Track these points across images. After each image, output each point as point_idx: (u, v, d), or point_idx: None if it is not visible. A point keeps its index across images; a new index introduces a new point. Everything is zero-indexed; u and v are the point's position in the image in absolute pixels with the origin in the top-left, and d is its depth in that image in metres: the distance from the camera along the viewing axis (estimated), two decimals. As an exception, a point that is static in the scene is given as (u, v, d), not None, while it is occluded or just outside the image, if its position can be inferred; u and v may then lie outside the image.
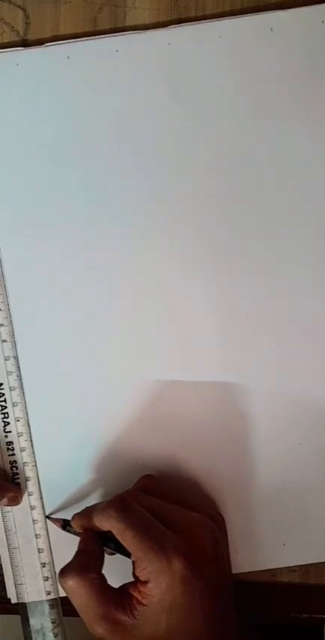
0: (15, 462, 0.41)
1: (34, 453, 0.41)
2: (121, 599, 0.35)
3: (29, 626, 0.41)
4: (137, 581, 0.35)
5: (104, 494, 0.40)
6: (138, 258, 0.39)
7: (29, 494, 0.41)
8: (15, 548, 0.41)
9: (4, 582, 0.41)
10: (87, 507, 0.37)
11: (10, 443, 0.41)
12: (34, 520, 0.41)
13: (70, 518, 0.38)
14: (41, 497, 0.41)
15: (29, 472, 0.41)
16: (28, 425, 0.41)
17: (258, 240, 0.39)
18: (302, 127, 0.39)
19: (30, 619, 0.41)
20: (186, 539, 0.35)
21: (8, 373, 0.40)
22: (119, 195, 0.39)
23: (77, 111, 0.39)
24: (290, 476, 0.40)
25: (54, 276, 0.40)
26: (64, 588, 0.35)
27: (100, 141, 0.39)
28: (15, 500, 0.40)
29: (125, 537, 0.34)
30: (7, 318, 0.40)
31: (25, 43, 0.39)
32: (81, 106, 0.39)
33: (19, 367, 0.40)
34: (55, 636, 0.41)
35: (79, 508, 0.38)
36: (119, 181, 0.39)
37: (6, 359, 0.40)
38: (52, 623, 0.41)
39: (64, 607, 0.41)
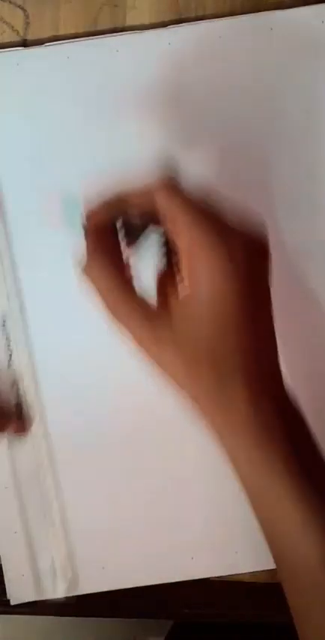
0: (22, 394, 0.40)
1: (39, 386, 0.40)
2: (145, 298, 0.31)
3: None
4: (180, 286, 0.31)
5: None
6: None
7: (36, 428, 0.40)
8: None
9: (3, 583, 0.41)
10: (113, 194, 0.31)
11: (16, 375, 0.40)
12: (38, 464, 0.40)
13: None
14: (48, 432, 0.40)
15: (36, 406, 0.40)
16: (33, 357, 0.40)
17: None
18: (303, 126, 0.39)
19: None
20: (245, 236, 0.30)
21: (12, 309, 0.40)
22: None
23: (77, 111, 0.39)
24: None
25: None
26: (87, 278, 0.31)
27: (100, 141, 0.39)
28: (21, 430, 0.39)
29: (176, 216, 0.29)
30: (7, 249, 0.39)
31: (25, 43, 0.39)
32: (81, 105, 0.39)
33: (23, 303, 0.40)
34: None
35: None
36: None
37: (9, 294, 0.39)
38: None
39: (64, 608, 0.41)
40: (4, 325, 0.40)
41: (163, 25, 0.39)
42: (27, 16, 0.40)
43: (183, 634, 0.62)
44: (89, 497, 0.41)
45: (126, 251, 0.32)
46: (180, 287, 0.31)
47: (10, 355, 0.40)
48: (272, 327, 0.32)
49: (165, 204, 0.30)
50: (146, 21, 0.39)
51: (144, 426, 0.40)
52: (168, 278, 0.32)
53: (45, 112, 0.39)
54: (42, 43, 0.39)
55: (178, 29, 0.39)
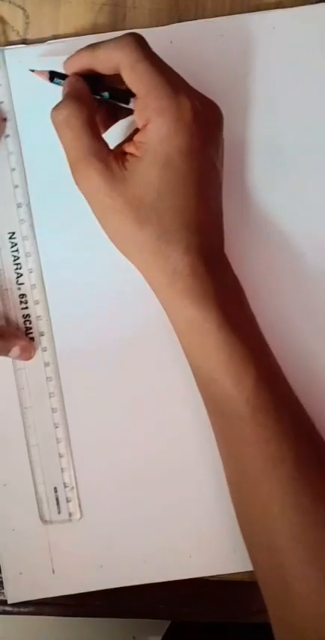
0: (28, 315, 0.39)
1: (47, 306, 0.39)
2: (114, 151, 0.32)
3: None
4: (133, 134, 0.32)
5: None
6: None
7: (43, 350, 0.39)
8: (27, 407, 0.39)
9: (1, 581, 0.41)
10: (90, 44, 0.33)
11: (22, 295, 0.39)
12: (47, 377, 0.39)
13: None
14: (55, 353, 0.39)
15: (43, 326, 0.39)
16: (42, 277, 0.39)
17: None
18: (303, 126, 0.39)
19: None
20: (196, 96, 0.32)
21: (20, 221, 0.38)
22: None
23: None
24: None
25: None
26: (55, 122, 0.32)
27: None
28: (27, 351, 0.38)
29: (136, 69, 0.31)
30: (19, 161, 0.38)
31: (25, 43, 0.40)
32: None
33: (31, 215, 0.39)
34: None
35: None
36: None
37: (18, 206, 0.38)
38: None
39: (64, 605, 0.41)
40: (13, 244, 0.39)
41: (163, 25, 0.39)
42: (27, 16, 0.40)
43: (181, 633, 0.62)
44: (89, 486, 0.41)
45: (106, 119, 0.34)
46: (133, 145, 0.32)
47: (19, 274, 0.39)
48: (220, 203, 0.34)
49: (128, 53, 0.31)
50: (146, 21, 0.39)
51: (145, 417, 0.40)
52: (126, 140, 0.33)
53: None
54: (42, 43, 0.39)
55: (180, 27, 0.39)
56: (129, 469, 0.40)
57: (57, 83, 0.35)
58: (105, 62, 0.32)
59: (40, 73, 0.36)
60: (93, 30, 0.39)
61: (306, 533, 0.32)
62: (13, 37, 0.40)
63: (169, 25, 0.39)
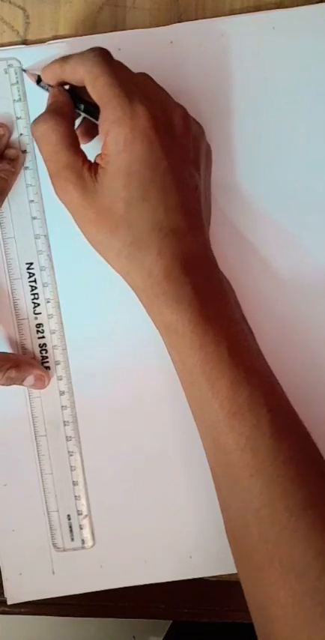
0: (45, 344, 0.40)
1: (64, 335, 0.40)
2: (89, 163, 0.33)
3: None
4: (101, 147, 0.33)
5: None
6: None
7: (58, 379, 0.40)
8: (41, 435, 0.40)
9: (1, 582, 0.41)
10: (62, 57, 0.34)
11: (39, 325, 0.40)
12: (62, 406, 0.40)
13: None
14: (71, 382, 0.40)
15: (59, 356, 0.40)
16: (59, 307, 0.40)
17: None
18: (303, 126, 0.39)
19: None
20: (156, 104, 0.32)
21: (38, 252, 0.39)
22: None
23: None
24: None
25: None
26: (35, 136, 0.34)
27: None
28: (42, 381, 0.39)
29: (96, 84, 0.32)
30: (37, 194, 0.39)
31: (25, 43, 0.39)
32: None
33: (49, 246, 0.40)
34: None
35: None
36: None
37: (36, 237, 0.39)
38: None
39: (64, 605, 0.41)
40: (30, 274, 0.39)
41: (163, 25, 0.39)
42: (27, 16, 0.40)
43: (181, 634, 0.62)
44: (97, 488, 0.41)
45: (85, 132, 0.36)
46: (101, 155, 0.33)
47: (36, 303, 0.40)
48: (198, 204, 0.34)
49: (90, 67, 0.32)
50: (146, 21, 0.39)
51: (147, 417, 0.40)
52: (98, 154, 0.33)
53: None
54: (42, 43, 0.39)
55: (180, 27, 0.39)
56: (138, 486, 0.40)
57: (42, 87, 0.37)
58: (72, 76, 0.33)
59: (31, 74, 0.37)
60: (93, 30, 0.39)
61: (282, 550, 0.30)
62: (13, 37, 0.40)
63: (169, 25, 0.39)
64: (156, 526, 0.40)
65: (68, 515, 0.40)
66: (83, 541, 0.40)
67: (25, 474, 0.40)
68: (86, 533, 0.40)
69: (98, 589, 0.41)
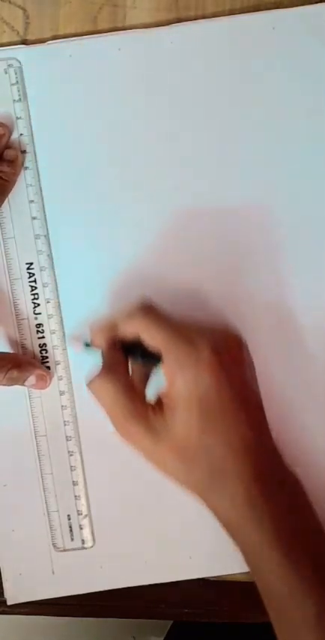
0: (45, 344, 0.40)
1: (64, 335, 0.40)
2: (151, 404, 0.34)
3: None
4: (166, 386, 0.34)
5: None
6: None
7: (59, 379, 0.40)
8: (41, 435, 0.40)
9: (1, 582, 0.41)
10: (107, 320, 0.36)
11: (39, 325, 0.40)
12: (62, 406, 0.40)
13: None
14: (71, 382, 0.40)
15: (59, 356, 0.40)
16: (59, 307, 0.40)
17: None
18: (304, 125, 0.39)
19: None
20: (215, 337, 0.34)
21: (38, 252, 0.39)
22: (116, 191, 0.39)
23: (78, 109, 0.39)
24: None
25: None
26: (92, 393, 0.35)
27: (101, 139, 0.39)
28: (43, 380, 0.39)
29: (152, 333, 0.34)
30: (37, 194, 0.39)
31: (25, 43, 0.40)
32: (82, 103, 0.39)
33: (49, 246, 0.40)
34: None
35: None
36: (117, 181, 0.39)
37: (36, 237, 0.39)
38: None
39: (64, 605, 0.41)
40: (30, 274, 0.39)
41: (163, 25, 0.39)
42: (27, 16, 0.40)
43: (182, 634, 0.62)
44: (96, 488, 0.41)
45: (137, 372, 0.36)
46: (167, 396, 0.34)
47: (36, 304, 0.40)
48: (263, 419, 0.35)
49: (141, 324, 0.34)
50: (146, 21, 0.39)
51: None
52: (161, 392, 0.35)
53: (45, 109, 0.39)
54: (42, 43, 0.39)
55: (180, 28, 0.39)
56: (138, 486, 0.40)
57: (90, 351, 0.37)
58: (126, 333, 0.35)
59: (76, 342, 0.39)
60: (93, 30, 0.39)
61: None
62: (13, 37, 0.40)
63: (169, 25, 0.39)
64: (156, 526, 0.40)
65: (68, 515, 0.40)
66: (83, 541, 0.40)
67: (25, 474, 0.40)
68: (86, 533, 0.40)
69: (98, 589, 0.41)
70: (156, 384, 0.36)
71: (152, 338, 0.34)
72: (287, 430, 0.39)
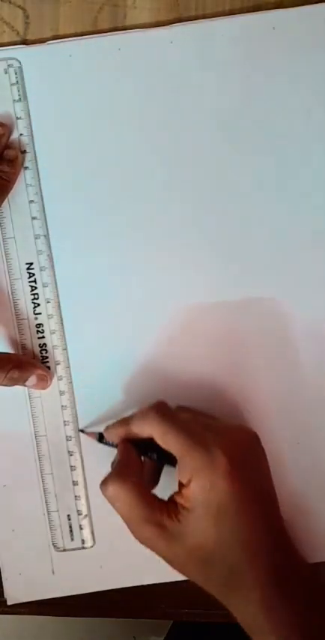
0: (45, 344, 0.40)
1: (64, 335, 0.40)
2: (165, 505, 0.34)
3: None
4: (181, 487, 0.34)
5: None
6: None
7: (58, 379, 0.40)
8: (41, 436, 0.40)
9: (1, 582, 0.41)
10: (123, 417, 0.37)
11: (39, 325, 0.40)
12: (62, 406, 0.40)
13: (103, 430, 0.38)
14: (71, 382, 0.40)
15: (59, 356, 0.40)
16: (59, 307, 0.40)
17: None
18: (304, 125, 0.39)
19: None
20: (228, 440, 0.34)
21: (38, 252, 0.39)
22: (116, 191, 0.39)
23: (78, 108, 0.39)
24: (288, 475, 0.40)
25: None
26: (105, 496, 0.35)
27: (101, 139, 0.39)
28: (44, 381, 0.39)
29: (167, 439, 0.34)
30: (37, 194, 0.39)
31: (25, 43, 0.40)
32: (82, 104, 0.39)
33: (49, 246, 0.40)
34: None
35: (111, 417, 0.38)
36: (118, 179, 0.39)
37: (36, 237, 0.39)
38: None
39: (64, 605, 0.41)
40: (30, 274, 0.40)
41: (163, 25, 0.39)
42: (27, 16, 0.40)
43: (182, 634, 0.62)
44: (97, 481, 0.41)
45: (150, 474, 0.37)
46: (182, 498, 0.34)
47: (36, 304, 0.40)
48: (276, 510, 0.36)
49: (155, 427, 0.34)
50: (146, 21, 0.39)
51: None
52: (176, 492, 0.35)
53: (45, 111, 0.39)
54: (42, 43, 0.39)
55: (180, 28, 0.39)
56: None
57: (105, 444, 0.38)
58: (139, 434, 0.35)
59: (91, 433, 0.39)
60: (94, 30, 0.39)
61: None
62: (13, 37, 0.40)
63: (169, 26, 0.39)
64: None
65: (68, 516, 0.40)
66: (83, 541, 0.40)
67: (25, 474, 0.40)
68: (86, 533, 0.40)
69: (98, 589, 0.41)
70: (169, 479, 0.36)
71: (166, 443, 0.34)
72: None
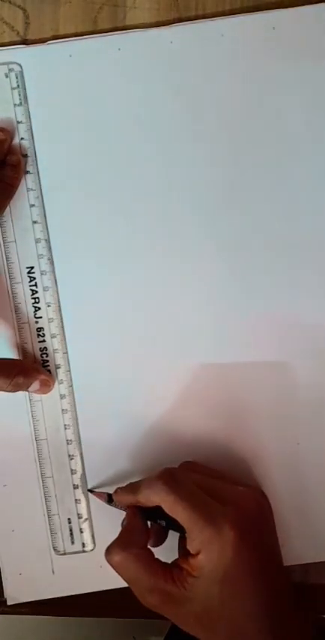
0: (45, 348, 0.40)
1: (65, 339, 0.40)
2: (171, 572, 0.35)
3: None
4: (187, 555, 0.35)
5: (145, 468, 0.40)
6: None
7: (59, 383, 0.40)
8: (42, 439, 0.40)
9: (1, 582, 0.41)
10: (131, 483, 0.37)
11: (40, 329, 0.40)
12: (63, 409, 0.40)
13: (112, 491, 0.38)
14: (71, 386, 0.40)
15: (59, 359, 0.40)
16: (59, 311, 0.40)
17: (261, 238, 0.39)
18: (304, 125, 0.39)
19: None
20: (235, 509, 0.35)
21: (39, 256, 0.39)
22: (116, 193, 0.39)
23: (78, 109, 0.39)
24: (288, 475, 0.40)
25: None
26: (110, 564, 0.35)
27: (102, 140, 0.39)
28: (47, 385, 0.39)
29: (176, 510, 0.34)
30: (38, 198, 0.39)
31: (25, 43, 0.39)
32: (82, 104, 0.39)
33: (50, 250, 0.40)
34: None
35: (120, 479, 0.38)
36: (118, 181, 0.39)
37: (37, 241, 0.39)
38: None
39: (64, 605, 0.41)
40: (31, 278, 0.40)
41: (163, 25, 0.39)
42: (27, 16, 0.40)
43: (182, 634, 0.62)
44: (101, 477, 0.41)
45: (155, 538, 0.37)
46: (190, 566, 0.34)
47: (36, 307, 0.40)
48: (281, 575, 0.36)
49: (163, 497, 0.34)
50: (146, 21, 0.39)
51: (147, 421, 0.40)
52: (182, 556, 0.36)
53: (45, 111, 0.39)
54: (42, 43, 0.39)
55: (180, 28, 0.39)
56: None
57: (114, 506, 0.38)
58: (146, 503, 0.36)
59: (99, 494, 0.39)
60: (93, 30, 0.39)
61: None
62: (13, 37, 0.40)
63: (169, 26, 0.39)
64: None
65: (68, 519, 0.40)
66: (83, 544, 0.40)
67: (25, 477, 0.40)
68: (86, 536, 0.40)
69: (98, 589, 0.41)
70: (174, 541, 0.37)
71: (174, 514, 0.34)
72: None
